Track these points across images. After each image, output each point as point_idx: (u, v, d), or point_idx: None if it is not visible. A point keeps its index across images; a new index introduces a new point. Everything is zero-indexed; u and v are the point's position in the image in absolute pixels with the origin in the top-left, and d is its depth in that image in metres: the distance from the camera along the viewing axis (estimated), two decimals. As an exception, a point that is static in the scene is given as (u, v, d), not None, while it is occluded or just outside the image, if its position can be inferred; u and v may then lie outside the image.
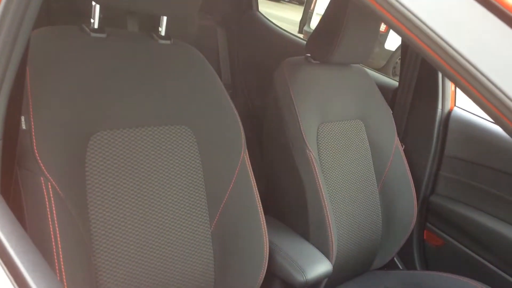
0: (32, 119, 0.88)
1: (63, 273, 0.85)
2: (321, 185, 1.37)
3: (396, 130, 1.66)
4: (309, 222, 1.40)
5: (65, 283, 0.85)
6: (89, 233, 0.96)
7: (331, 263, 1.32)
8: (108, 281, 0.98)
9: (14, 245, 0.58)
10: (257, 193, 1.17)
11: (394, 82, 1.93)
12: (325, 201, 1.37)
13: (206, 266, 1.14)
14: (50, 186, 0.87)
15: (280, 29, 2.32)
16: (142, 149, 1.06)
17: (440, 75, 1.72)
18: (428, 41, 0.48)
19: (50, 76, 0.94)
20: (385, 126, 1.65)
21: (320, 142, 1.46)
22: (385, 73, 3.09)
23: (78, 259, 0.91)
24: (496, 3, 0.46)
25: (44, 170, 0.87)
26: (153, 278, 1.05)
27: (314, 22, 5.64)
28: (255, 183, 1.17)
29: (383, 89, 1.72)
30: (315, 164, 1.38)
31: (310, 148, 1.39)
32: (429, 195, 1.76)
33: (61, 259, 0.85)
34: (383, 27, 4.42)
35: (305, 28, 5.95)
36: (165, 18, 1.15)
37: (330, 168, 1.48)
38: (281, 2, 12.93)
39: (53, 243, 0.85)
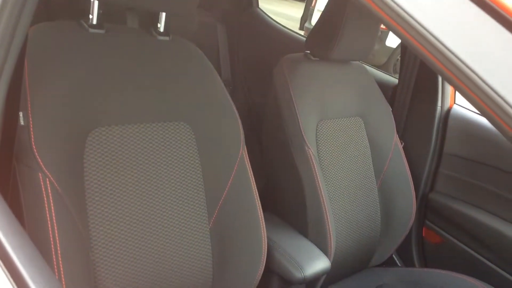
0: (30, 115, 0.88)
1: (61, 269, 0.85)
2: (320, 182, 1.37)
3: (395, 127, 1.66)
4: (307, 219, 1.40)
5: (63, 279, 0.85)
6: (87, 229, 0.96)
7: (330, 260, 1.32)
8: (106, 277, 0.98)
9: (11, 240, 0.58)
10: (256, 189, 1.17)
11: (393, 79, 1.93)
12: (324, 198, 1.37)
13: (204, 262, 1.14)
14: (48, 182, 0.87)
15: (280, 26, 2.31)
16: (141, 146, 1.06)
17: (440, 72, 1.72)
18: (425, 43, 0.48)
19: (48, 71, 0.94)
20: (384, 123, 1.65)
21: (319, 139, 1.46)
22: (386, 70, 3.08)
23: (76, 254, 0.91)
24: (493, 5, 0.46)
25: (42, 165, 0.87)
26: (151, 274, 1.05)
27: (315, 19, 5.63)
28: (254, 180, 1.17)
29: (382, 86, 1.72)
30: (314, 161, 1.38)
31: (309, 145, 1.38)
32: (428, 193, 1.76)
33: (59, 255, 0.85)
34: (384, 24, 4.40)
35: (306, 24, 5.95)
36: (164, 14, 1.15)
37: (329, 165, 1.48)
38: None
39: (51, 239, 0.85)
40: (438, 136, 1.73)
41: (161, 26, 1.15)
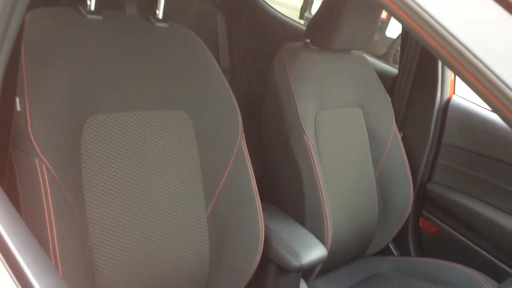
0: (27, 101, 0.88)
1: (58, 255, 0.85)
2: (318, 171, 1.37)
3: (394, 117, 1.66)
4: (305, 208, 1.40)
5: (59, 265, 0.85)
6: (84, 216, 0.96)
7: (326, 248, 1.32)
8: (102, 264, 0.99)
9: (7, 226, 0.58)
10: (254, 178, 1.17)
11: (393, 70, 1.92)
12: (322, 188, 1.37)
13: (201, 249, 1.14)
14: (45, 168, 0.87)
15: (280, 15, 2.30)
16: (139, 133, 1.06)
17: (440, 63, 1.71)
18: (428, 28, 0.47)
19: (45, 57, 0.94)
20: (383, 113, 1.64)
21: (318, 129, 1.46)
22: (386, 61, 3.07)
23: (72, 241, 0.91)
24: None
25: (39, 152, 0.87)
26: (148, 261, 1.06)
27: (315, 8, 5.59)
28: (252, 169, 1.17)
29: (382, 76, 1.72)
30: (312, 150, 1.38)
31: (308, 134, 1.38)
32: (425, 183, 1.76)
33: (56, 241, 0.85)
34: (384, 14, 4.38)
35: (306, 14, 5.90)
36: (162, 0, 1.14)
37: (328, 155, 1.48)
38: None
39: (48, 225, 0.85)
40: (436, 126, 1.72)
41: (160, 13, 1.14)
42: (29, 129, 0.87)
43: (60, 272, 0.85)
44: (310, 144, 1.38)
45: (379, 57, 2.81)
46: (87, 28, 1.03)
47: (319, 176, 1.37)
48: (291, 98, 1.40)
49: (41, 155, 0.87)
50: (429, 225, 1.75)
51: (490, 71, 0.44)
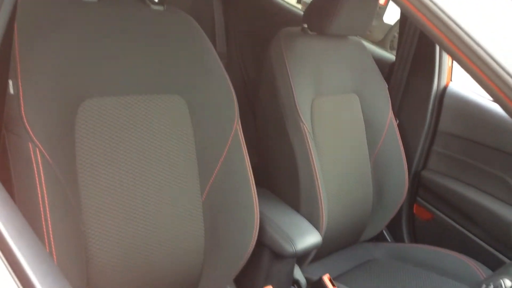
0: (20, 83, 0.86)
1: (52, 240, 0.85)
2: (313, 158, 1.37)
3: (391, 104, 1.65)
4: (300, 194, 1.40)
5: (53, 251, 0.85)
6: (78, 200, 0.96)
7: (321, 234, 1.33)
8: (97, 248, 0.98)
9: (0, 211, 0.57)
10: (249, 164, 1.16)
11: (391, 56, 1.91)
12: (317, 174, 1.37)
13: (196, 235, 1.14)
14: (38, 152, 0.86)
15: (277, -1, 2.27)
16: (133, 117, 1.05)
17: (437, 50, 1.70)
18: (428, 13, 0.47)
19: (39, 39, 0.92)
20: (380, 100, 1.64)
21: (314, 115, 1.45)
22: (383, 47, 3.05)
23: (66, 226, 0.91)
24: None
25: (32, 135, 0.86)
26: (143, 245, 1.06)
27: (313, -7, 5.53)
28: (248, 154, 1.17)
29: (379, 63, 1.71)
30: (308, 137, 1.37)
31: (304, 121, 1.38)
32: (420, 170, 1.77)
33: (50, 226, 0.85)
34: (382, -1, 4.34)
35: (304, -2, 5.85)
36: (158, -18, 1.12)
37: (323, 142, 1.47)
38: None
39: (41, 210, 0.85)
40: (433, 114, 1.72)
41: (155, -5, 1.13)
42: (23, 112, 0.86)
43: (54, 257, 0.85)
44: (306, 130, 1.37)
45: (376, 43, 2.80)
46: (82, 10, 1.01)
47: (314, 163, 1.37)
48: (287, 84, 1.39)
49: (34, 138, 0.86)
50: (423, 212, 1.76)
51: (492, 58, 0.43)
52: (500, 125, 1.56)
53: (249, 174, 1.16)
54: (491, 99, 1.60)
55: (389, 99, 1.66)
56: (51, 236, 0.85)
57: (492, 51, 0.44)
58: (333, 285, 1.28)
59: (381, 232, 1.79)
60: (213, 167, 1.15)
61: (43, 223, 0.84)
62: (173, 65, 1.11)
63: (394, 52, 1.84)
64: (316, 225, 1.34)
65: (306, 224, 1.32)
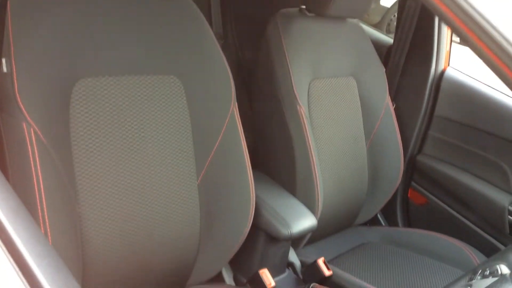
0: (13, 62, 0.85)
1: (46, 221, 0.84)
2: (310, 141, 1.36)
3: (388, 88, 1.64)
4: (296, 178, 1.40)
5: (48, 232, 0.84)
6: (73, 182, 0.95)
7: (316, 218, 1.33)
8: (92, 230, 0.98)
9: (-6, 191, 0.56)
10: (246, 146, 1.16)
11: (388, 39, 1.90)
12: (313, 157, 1.37)
13: (192, 217, 1.14)
14: (32, 132, 0.85)
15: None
16: (129, 98, 1.03)
17: (436, 34, 1.68)
18: None
19: (33, 18, 0.90)
20: (377, 84, 1.63)
21: (311, 98, 1.44)
22: (379, 30, 3.03)
23: (61, 207, 0.90)
24: None
25: (26, 115, 0.84)
26: (138, 228, 1.05)
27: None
28: (244, 137, 1.16)
29: (377, 46, 1.69)
30: (305, 120, 1.37)
31: (300, 103, 1.37)
32: (416, 155, 1.77)
33: (44, 207, 0.84)
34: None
35: (301, -21, 5.77)
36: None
37: (320, 125, 1.47)
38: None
39: (36, 191, 0.84)
40: (430, 98, 1.72)
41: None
42: (16, 91, 0.84)
43: (49, 238, 0.84)
44: (302, 113, 1.37)
45: (373, 25, 2.77)
46: None
47: (311, 146, 1.36)
48: (284, 66, 1.37)
49: (28, 118, 0.85)
50: (418, 196, 1.77)
51: (506, 40, 0.42)
52: (497, 111, 1.55)
53: (245, 156, 1.15)
54: (489, 84, 1.60)
55: (386, 83, 1.65)
56: (46, 216, 0.84)
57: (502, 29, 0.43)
58: (327, 268, 1.29)
59: (376, 216, 1.80)
60: (209, 149, 1.14)
61: (38, 203, 0.84)
62: (169, 46, 1.09)
63: (391, 35, 1.82)
64: (311, 208, 1.34)
65: (301, 207, 1.32)
